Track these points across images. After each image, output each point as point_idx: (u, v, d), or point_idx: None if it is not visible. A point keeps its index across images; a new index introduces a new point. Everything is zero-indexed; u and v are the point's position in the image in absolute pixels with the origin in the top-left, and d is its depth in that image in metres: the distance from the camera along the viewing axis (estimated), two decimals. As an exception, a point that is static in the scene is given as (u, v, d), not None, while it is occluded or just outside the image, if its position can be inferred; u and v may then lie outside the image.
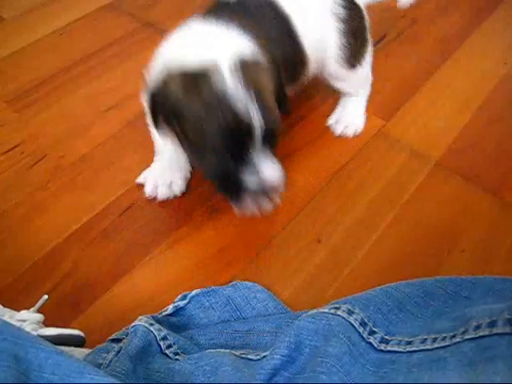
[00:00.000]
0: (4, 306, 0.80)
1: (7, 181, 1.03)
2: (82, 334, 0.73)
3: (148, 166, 1.03)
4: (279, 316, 0.77)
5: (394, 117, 1.17)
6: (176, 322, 0.79)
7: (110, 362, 0.66)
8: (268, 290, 0.85)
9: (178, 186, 1.00)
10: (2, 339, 0.50)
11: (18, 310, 0.76)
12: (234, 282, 0.85)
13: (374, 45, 1.32)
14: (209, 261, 0.91)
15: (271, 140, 0.79)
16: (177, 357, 0.68)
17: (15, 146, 1.10)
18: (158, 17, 1.44)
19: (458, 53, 1.33)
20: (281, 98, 0.85)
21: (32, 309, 0.76)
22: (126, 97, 1.21)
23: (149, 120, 0.88)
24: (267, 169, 0.79)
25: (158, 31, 1.39)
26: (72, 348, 0.71)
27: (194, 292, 0.82)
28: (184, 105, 0.77)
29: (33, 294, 0.86)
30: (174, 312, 0.79)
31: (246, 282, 0.84)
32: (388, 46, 1.35)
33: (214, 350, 0.65)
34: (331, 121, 1.15)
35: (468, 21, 1.44)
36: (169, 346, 0.69)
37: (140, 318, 0.73)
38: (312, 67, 1.02)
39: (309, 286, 0.88)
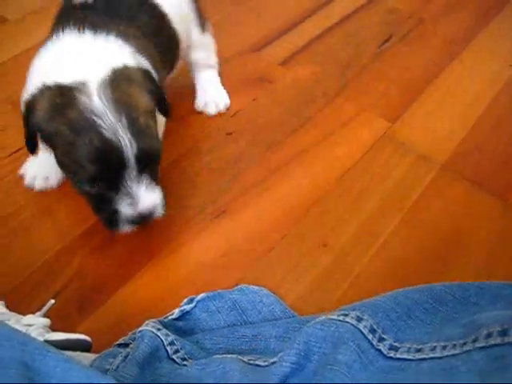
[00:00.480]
0: (10, 309, 0.79)
1: (11, 183, 1.02)
2: (88, 338, 0.73)
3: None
4: (286, 321, 0.77)
5: (399, 119, 1.17)
6: (182, 326, 0.78)
7: (118, 367, 0.66)
8: (274, 293, 0.84)
9: (54, 179, 1.00)
10: (10, 346, 0.49)
11: (24, 314, 0.76)
12: (240, 286, 0.84)
13: (380, 46, 1.32)
14: (214, 265, 0.91)
15: (149, 164, 0.77)
16: (184, 362, 0.68)
17: (19, 149, 1.09)
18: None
19: (464, 54, 1.33)
20: (161, 103, 0.83)
21: (38, 313, 0.76)
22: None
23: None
24: (143, 196, 0.77)
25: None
26: (78, 353, 0.71)
27: (200, 296, 0.81)
28: (50, 127, 0.75)
29: (38, 298, 0.85)
30: (180, 316, 0.79)
31: (253, 286, 0.83)
32: (394, 47, 1.35)
33: (221, 356, 0.65)
34: (199, 105, 1.15)
35: (475, 21, 1.43)
36: (176, 351, 0.69)
37: (147, 322, 0.73)
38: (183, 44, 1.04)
39: (315, 289, 0.88)
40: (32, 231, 0.95)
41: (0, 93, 1.23)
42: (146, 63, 0.85)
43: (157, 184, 0.80)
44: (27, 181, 1.01)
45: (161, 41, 0.93)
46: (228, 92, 1.19)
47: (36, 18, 1.47)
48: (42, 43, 1.37)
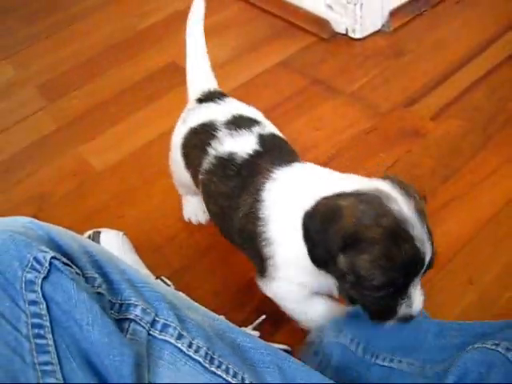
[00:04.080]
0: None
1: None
2: (289, 348, 0.97)
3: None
4: (440, 321, 0.92)
5: (540, 171, 1.32)
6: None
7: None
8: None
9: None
10: (267, 354, 0.74)
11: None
12: None
13: None
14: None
15: (428, 269, 0.79)
16: (365, 356, 0.86)
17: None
18: (325, 74, 1.67)
19: None
20: None
21: (250, 326, 1.01)
22: (303, 149, 1.43)
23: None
24: (418, 301, 0.80)
25: (326, 88, 1.62)
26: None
27: None
28: (365, 234, 0.74)
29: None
30: None
31: None
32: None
33: (396, 366, 0.84)
34: None
35: None
36: (357, 345, 0.87)
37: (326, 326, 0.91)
38: None
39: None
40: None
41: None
42: None
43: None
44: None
45: None
46: (385, 144, 1.41)
47: (220, 71, 1.71)
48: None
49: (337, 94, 1.60)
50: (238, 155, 0.98)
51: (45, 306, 0.62)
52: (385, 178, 0.82)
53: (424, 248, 0.75)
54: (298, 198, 0.84)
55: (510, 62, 1.62)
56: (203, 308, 0.78)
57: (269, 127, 1.07)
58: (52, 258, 0.63)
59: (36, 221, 0.70)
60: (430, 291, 1.11)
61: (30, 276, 0.62)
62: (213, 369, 0.67)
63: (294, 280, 0.89)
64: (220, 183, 0.98)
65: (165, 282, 1.01)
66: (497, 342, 0.78)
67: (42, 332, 0.61)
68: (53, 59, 1.92)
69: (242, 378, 0.68)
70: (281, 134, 1.09)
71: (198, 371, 0.67)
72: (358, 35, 1.75)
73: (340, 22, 1.76)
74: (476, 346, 0.80)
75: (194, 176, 1.07)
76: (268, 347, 0.76)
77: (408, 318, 0.81)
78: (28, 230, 0.66)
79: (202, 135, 1.05)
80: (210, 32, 1.88)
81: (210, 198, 1.02)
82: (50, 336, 0.61)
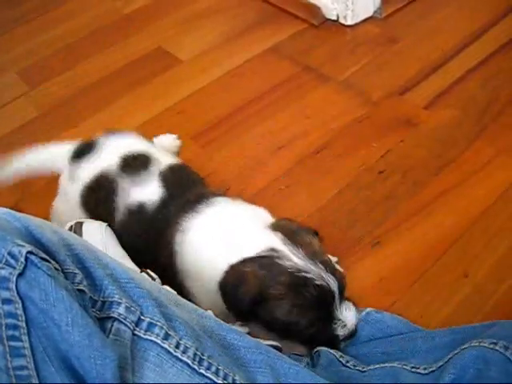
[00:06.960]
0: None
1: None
2: (279, 345, 0.93)
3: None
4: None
5: (534, 163, 1.29)
6: None
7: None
8: (421, 316, 1.02)
9: None
10: (258, 353, 0.70)
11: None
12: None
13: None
14: (372, 288, 1.09)
15: (344, 290, 0.88)
16: (356, 368, 0.85)
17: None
18: (316, 61, 1.63)
19: None
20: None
21: (238, 322, 0.97)
22: (294, 137, 1.41)
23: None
24: (349, 318, 0.88)
25: (316, 76, 1.58)
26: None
27: None
28: (269, 293, 0.84)
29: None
30: None
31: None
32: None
33: (390, 365, 0.82)
34: None
35: None
36: (347, 362, 0.86)
37: None
38: None
39: (456, 316, 1.03)
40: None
41: (179, 130, 1.45)
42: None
43: (348, 300, 0.91)
44: None
45: None
46: (377, 133, 1.38)
47: (208, 57, 1.70)
48: (212, 82, 1.60)
49: (328, 82, 1.55)
50: (146, 205, 1.01)
51: (20, 305, 0.57)
52: (275, 227, 0.92)
53: (326, 280, 0.84)
54: (208, 260, 0.93)
55: (504, 51, 1.59)
56: (190, 303, 0.74)
57: (161, 158, 1.08)
58: (28, 252, 0.59)
59: (13, 212, 0.65)
60: (425, 285, 1.08)
61: (3, 272, 0.58)
62: (202, 371, 0.63)
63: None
64: (135, 238, 1.03)
65: (150, 276, 0.97)
66: (494, 340, 0.75)
67: (16, 334, 0.56)
68: (34, 44, 1.85)
69: (233, 380, 0.65)
70: (174, 160, 1.12)
71: (186, 373, 0.62)
72: (349, 22, 1.70)
73: (331, 8, 1.72)
74: (473, 344, 0.77)
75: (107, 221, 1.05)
76: (259, 345, 0.72)
77: (348, 336, 0.89)
78: (3, 222, 0.62)
79: (101, 191, 1.05)
80: (196, 17, 1.86)
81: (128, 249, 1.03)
82: (26, 338, 0.56)
